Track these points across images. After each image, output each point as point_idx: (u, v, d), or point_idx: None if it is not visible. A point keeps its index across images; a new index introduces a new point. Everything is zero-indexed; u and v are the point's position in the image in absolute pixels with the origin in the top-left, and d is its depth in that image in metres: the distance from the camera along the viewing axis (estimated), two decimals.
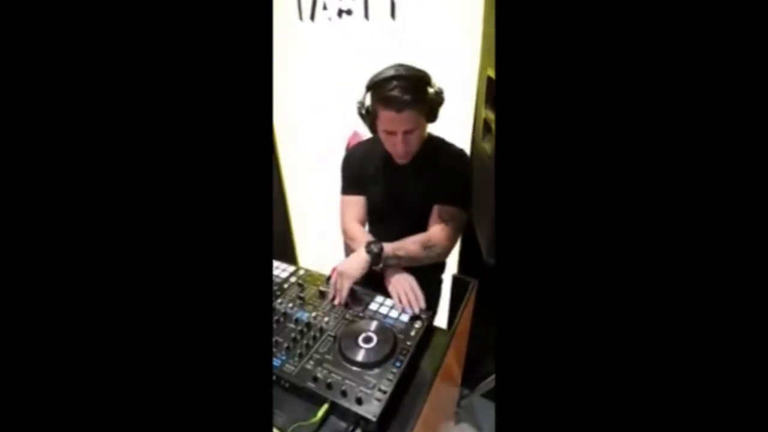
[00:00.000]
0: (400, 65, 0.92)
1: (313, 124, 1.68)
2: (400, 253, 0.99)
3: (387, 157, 1.07)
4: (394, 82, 0.88)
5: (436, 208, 1.07)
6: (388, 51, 1.11)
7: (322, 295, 0.94)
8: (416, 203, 1.09)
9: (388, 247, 0.97)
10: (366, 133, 1.09)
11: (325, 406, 0.69)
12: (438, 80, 0.96)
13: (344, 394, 0.69)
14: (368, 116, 0.97)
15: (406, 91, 0.88)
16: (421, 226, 1.13)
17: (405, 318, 0.88)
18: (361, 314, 0.88)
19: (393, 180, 1.09)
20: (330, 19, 1.40)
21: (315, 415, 0.68)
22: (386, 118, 0.91)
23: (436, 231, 1.04)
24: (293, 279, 1.00)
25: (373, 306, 0.91)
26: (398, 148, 0.96)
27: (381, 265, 0.98)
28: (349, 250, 1.20)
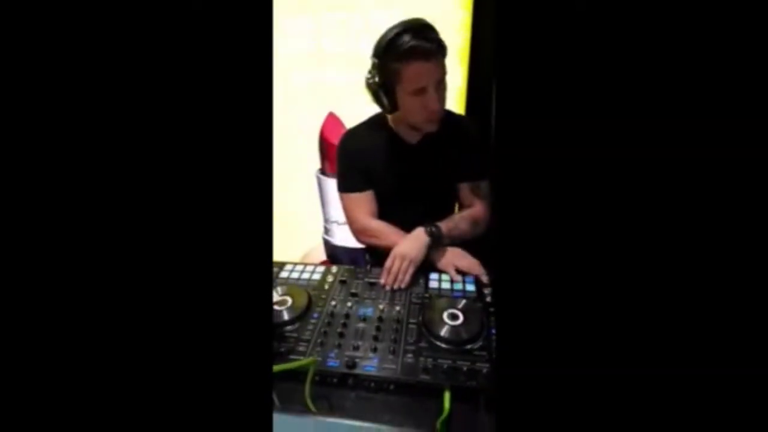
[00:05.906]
0: (405, 21, 0.84)
1: None
2: (455, 233, 0.95)
3: (393, 139, 1.00)
4: (411, 33, 0.80)
5: (468, 186, 1.03)
6: None
7: (373, 286, 0.85)
8: (430, 185, 1.04)
9: (444, 228, 0.93)
10: (343, 116, 0.98)
11: (448, 394, 0.63)
12: None
13: (467, 375, 0.63)
14: (383, 88, 0.86)
15: (428, 38, 0.80)
16: (434, 208, 1.08)
17: (471, 287, 0.84)
18: (426, 294, 0.82)
19: (405, 164, 1.01)
20: None
21: (443, 407, 0.61)
22: (414, 72, 0.82)
23: (480, 207, 1.01)
24: (330, 278, 0.89)
25: (432, 284, 0.85)
26: (431, 105, 0.85)
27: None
28: (371, 248, 1.11)
